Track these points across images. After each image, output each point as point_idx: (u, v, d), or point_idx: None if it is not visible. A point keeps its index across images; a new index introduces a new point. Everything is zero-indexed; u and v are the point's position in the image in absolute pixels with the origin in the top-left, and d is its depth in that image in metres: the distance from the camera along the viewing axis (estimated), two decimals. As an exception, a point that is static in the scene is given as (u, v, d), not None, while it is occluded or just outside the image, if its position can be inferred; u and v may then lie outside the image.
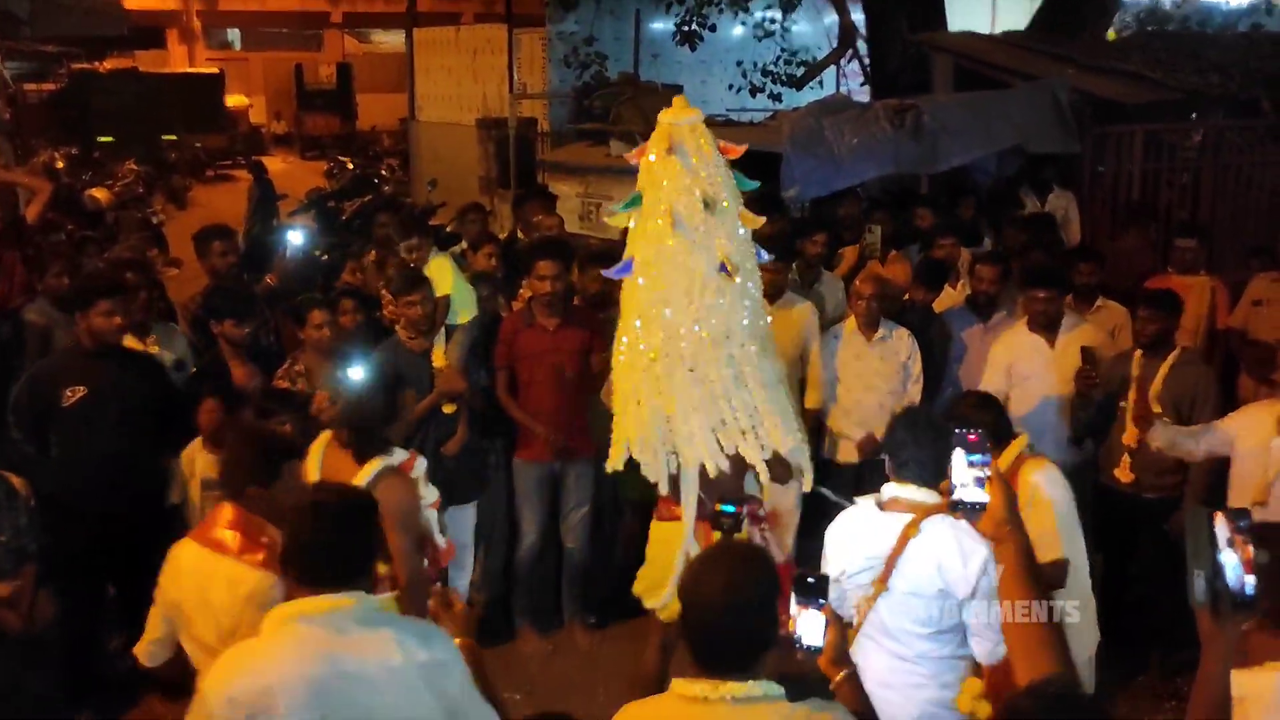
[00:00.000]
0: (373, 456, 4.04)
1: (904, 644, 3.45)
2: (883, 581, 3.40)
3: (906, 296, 6.59)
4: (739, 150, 4.30)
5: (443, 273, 6.29)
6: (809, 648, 2.46)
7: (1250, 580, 2.03)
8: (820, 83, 14.01)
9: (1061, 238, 7.81)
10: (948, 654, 3.44)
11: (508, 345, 5.78)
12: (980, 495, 2.42)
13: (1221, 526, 2.05)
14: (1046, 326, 5.68)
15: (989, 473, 2.43)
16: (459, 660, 2.76)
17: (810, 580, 2.48)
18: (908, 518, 3.42)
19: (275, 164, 23.21)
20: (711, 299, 4.17)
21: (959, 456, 2.43)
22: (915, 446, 3.51)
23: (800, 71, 14.05)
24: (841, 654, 2.59)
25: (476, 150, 14.77)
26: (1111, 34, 13.50)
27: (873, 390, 6.06)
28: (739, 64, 14.45)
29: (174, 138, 25.43)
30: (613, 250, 7.08)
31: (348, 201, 14.72)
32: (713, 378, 4.21)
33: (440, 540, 4.29)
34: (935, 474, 3.37)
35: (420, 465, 4.22)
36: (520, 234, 8.13)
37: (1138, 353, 5.41)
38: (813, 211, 8.45)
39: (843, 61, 13.41)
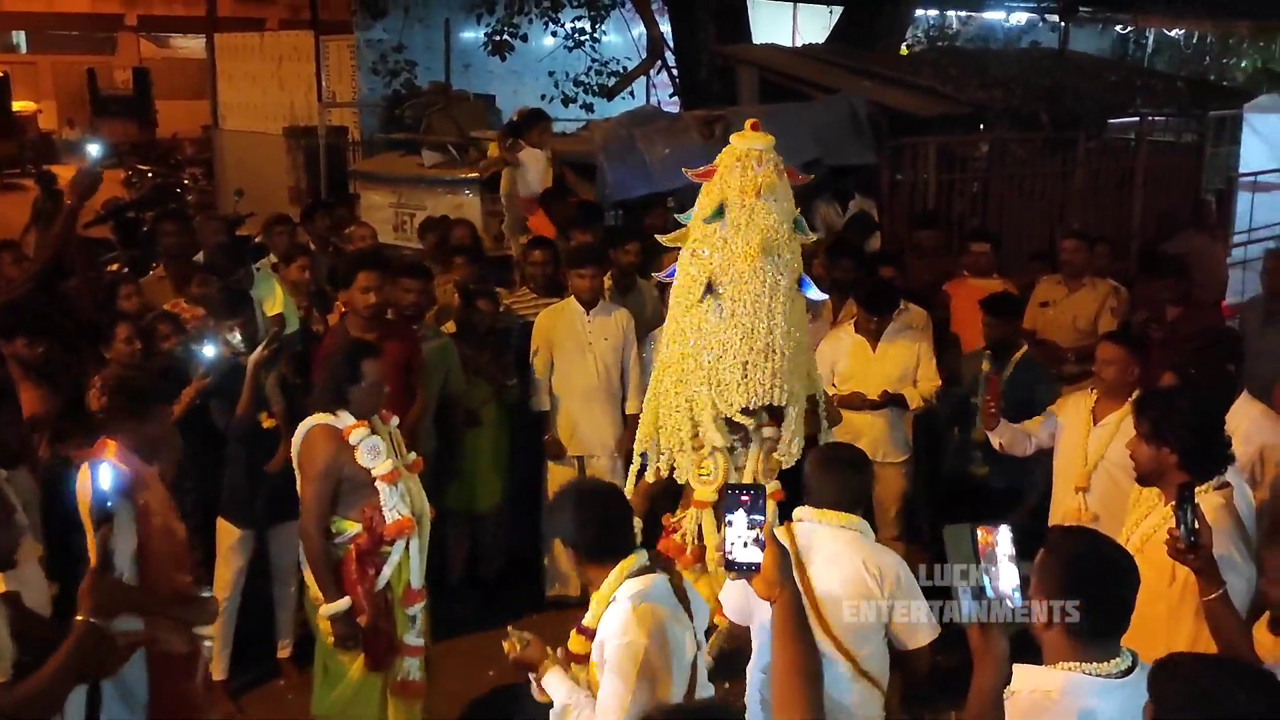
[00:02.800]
0: (317, 410, 4.56)
1: None
2: None
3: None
4: (803, 178, 4.51)
5: (272, 291, 6.21)
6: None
7: (1015, 591, 2.13)
8: (631, 93, 14.18)
9: (867, 240, 8.16)
10: None
11: None
12: (755, 555, 2.42)
13: (983, 540, 2.14)
14: (872, 334, 6.17)
15: (763, 533, 2.44)
16: None
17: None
18: None
19: (70, 172, 22.05)
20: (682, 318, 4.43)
21: (738, 517, 2.44)
22: None
23: (611, 82, 14.19)
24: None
25: (285, 160, 14.41)
26: (904, 49, 14.13)
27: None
28: (550, 74, 14.48)
29: (-47, 146, 23.94)
30: (422, 262, 7.07)
31: (148, 212, 14.16)
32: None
33: (388, 514, 4.47)
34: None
35: (360, 436, 4.50)
36: (312, 246, 7.97)
37: (986, 353, 5.85)
38: (625, 221, 8.58)
39: (652, 72, 13.62)
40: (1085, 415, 5.23)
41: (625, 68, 14.24)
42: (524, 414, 6.52)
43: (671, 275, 4.56)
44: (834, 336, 6.35)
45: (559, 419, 6.40)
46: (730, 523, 2.44)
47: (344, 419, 4.52)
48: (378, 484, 4.50)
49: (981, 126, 10.13)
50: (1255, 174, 13.52)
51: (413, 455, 4.84)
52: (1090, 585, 2.41)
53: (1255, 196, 13.42)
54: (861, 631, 3.61)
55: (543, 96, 14.51)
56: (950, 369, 6.21)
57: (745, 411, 4.44)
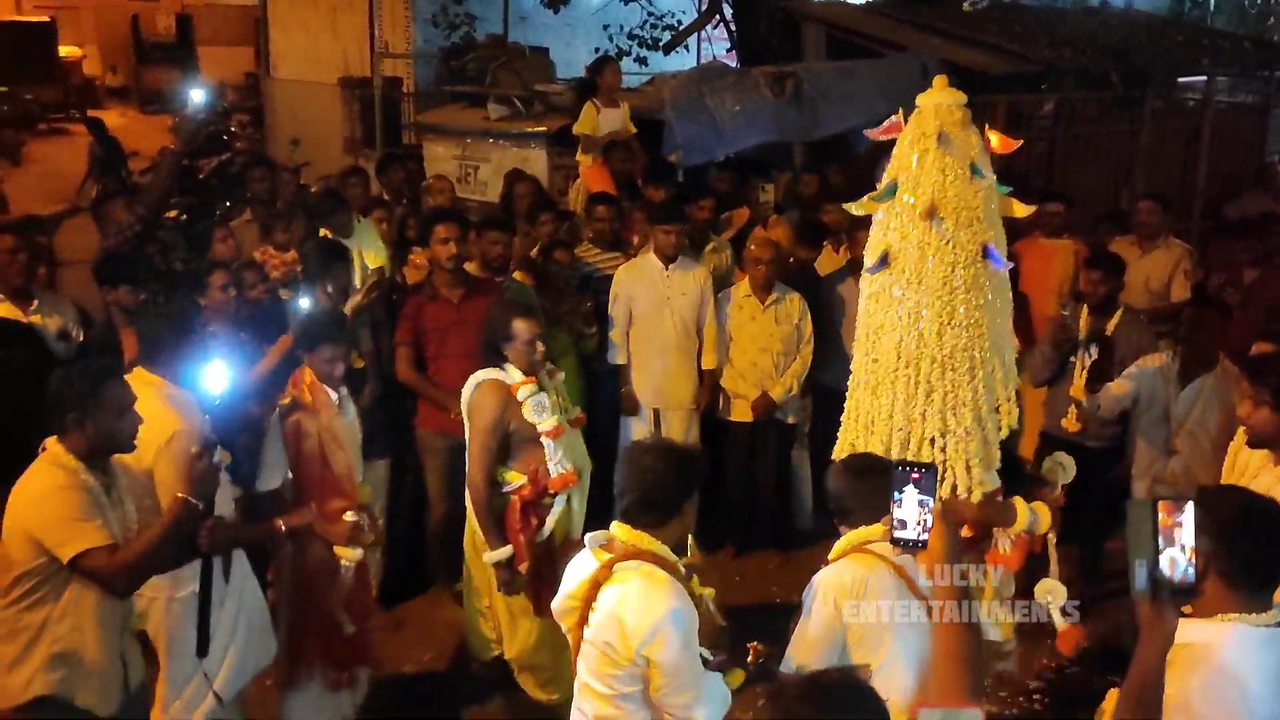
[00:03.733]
0: (485, 367, 4.69)
1: (589, 706, 3.12)
2: (578, 626, 3.11)
3: (791, 259, 6.84)
4: (1012, 144, 3.88)
5: (374, 243, 6.34)
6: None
7: (1190, 569, 2.17)
8: (686, 47, 14.09)
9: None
10: None
11: (411, 321, 5.74)
12: (921, 534, 2.48)
13: (1164, 518, 2.17)
14: None
15: (932, 513, 2.49)
16: None
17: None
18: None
19: (113, 118, 22.14)
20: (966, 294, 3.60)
21: (908, 494, 2.49)
22: (639, 484, 3.12)
23: (666, 36, 14.10)
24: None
25: (339, 110, 14.42)
26: (966, 6, 13.94)
27: (768, 352, 6.31)
28: (605, 27, 14.41)
29: (4, 89, 23.97)
30: (497, 213, 7.13)
31: (203, 160, 14.23)
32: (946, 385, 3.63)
33: (552, 468, 4.62)
34: (664, 512, 3.12)
35: (527, 392, 4.63)
36: (386, 196, 8.03)
37: (1084, 311, 5.82)
38: (688, 178, 8.57)
39: (708, 27, 13.50)
40: (1171, 378, 5.28)
41: (680, 21, 14.13)
42: (601, 369, 6.58)
43: (882, 267, 3.74)
44: None
45: (635, 373, 6.47)
46: (899, 501, 2.51)
47: (512, 374, 4.65)
48: (542, 439, 4.63)
49: (1044, 86, 10.03)
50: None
51: (576, 410, 4.97)
52: (1249, 538, 2.44)
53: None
54: None
55: (596, 49, 14.43)
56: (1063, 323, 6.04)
57: None
